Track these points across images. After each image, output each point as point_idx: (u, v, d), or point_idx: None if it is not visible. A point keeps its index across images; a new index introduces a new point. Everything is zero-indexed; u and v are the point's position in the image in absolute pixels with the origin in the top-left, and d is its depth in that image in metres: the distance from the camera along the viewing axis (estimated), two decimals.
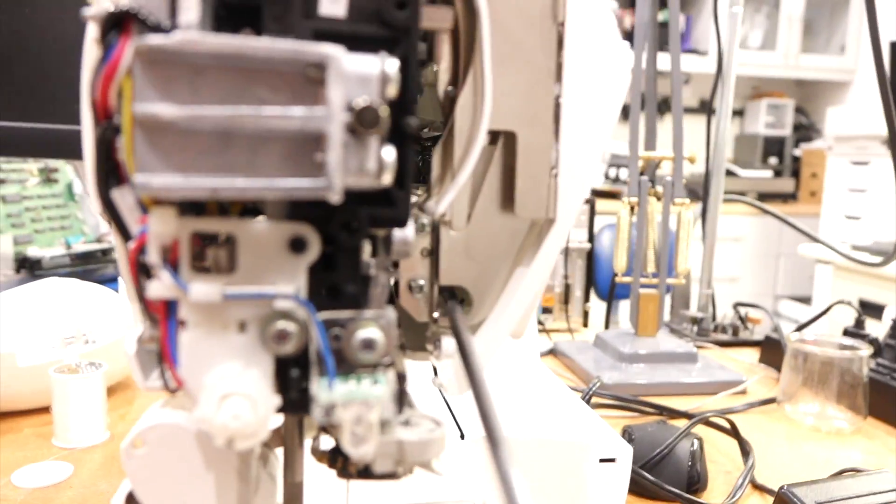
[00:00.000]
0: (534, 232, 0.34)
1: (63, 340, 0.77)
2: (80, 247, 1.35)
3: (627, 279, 0.99)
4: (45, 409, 0.72)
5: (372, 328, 0.26)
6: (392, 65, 0.23)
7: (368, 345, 0.25)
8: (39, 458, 0.66)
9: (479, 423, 0.25)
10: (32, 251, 1.31)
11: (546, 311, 1.21)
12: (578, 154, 0.32)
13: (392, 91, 0.23)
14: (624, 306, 2.34)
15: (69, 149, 0.87)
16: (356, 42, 0.24)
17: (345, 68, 0.22)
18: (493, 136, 0.33)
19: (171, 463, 0.30)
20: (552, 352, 1.06)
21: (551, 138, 0.32)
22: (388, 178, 0.23)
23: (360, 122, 0.22)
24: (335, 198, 0.23)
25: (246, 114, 0.22)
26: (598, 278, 2.03)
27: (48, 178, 1.39)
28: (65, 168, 1.42)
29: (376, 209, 0.25)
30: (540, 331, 1.16)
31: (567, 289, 1.20)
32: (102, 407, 0.71)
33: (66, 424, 0.69)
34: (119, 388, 0.84)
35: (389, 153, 0.23)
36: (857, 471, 0.63)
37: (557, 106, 0.32)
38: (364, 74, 0.22)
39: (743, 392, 0.90)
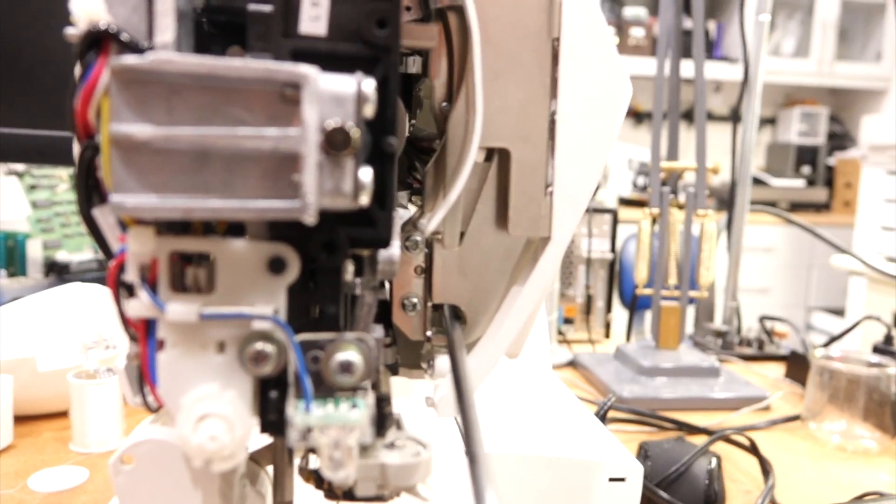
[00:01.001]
0: (529, 250, 0.34)
1: (83, 346, 0.78)
2: None
3: (648, 291, 0.97)
4: (65, 414, 0.73)
5: (351, 351, 0.25)
6: (369, 84, 0.22)
7: (347, 368, 0.25)
8: (57, 463, 0.67)
9: (463, 442, 0.24)
10: (61, 256, 1.33)
11: (567, 321, 1.20)
12: (575, 171, 0.31)
13: (369, 111, 0.23)
14: (648, 317, 2.31)
15: None
16: (337, 61, 0.24)
17: (320, 88, 0.22)
18: (488, 152, 0.32)
19: (158, 479, 0.30)
20: (572, 363, 1.05)
21: (546, 155, 0.31)
22: (364, 200, 0.23)
23: (331, 145, 0.21)
24: (310, 219, 0.22)
25: (221, 134, 0.22)
26: (623, 287, 2.00)
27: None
28: None
29: (357, 229, 0.25)
30: (561, 341, 1.15)
31: (589, 299, 1.18)
32: (119, 413, 0.72)
33: (84, 429, 0.69)
34: None
35: (367, 174, 0.23)
36: (882, 495, 0.61)
37: (552, 122, 0.31)
38: (339, 94, 0.22)
39: (767, 408, 0.88)
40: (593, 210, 1.17)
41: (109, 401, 0.70)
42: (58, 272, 1.31)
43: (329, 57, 0.24)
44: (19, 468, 0.65)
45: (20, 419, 0.74)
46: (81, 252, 1.37)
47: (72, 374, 0.70)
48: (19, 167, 1.32)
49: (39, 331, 0.77)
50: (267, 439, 0.33)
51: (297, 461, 0.32)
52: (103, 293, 0.86)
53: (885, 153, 2.75)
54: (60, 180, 1.39)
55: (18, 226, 1.34)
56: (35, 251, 1.32)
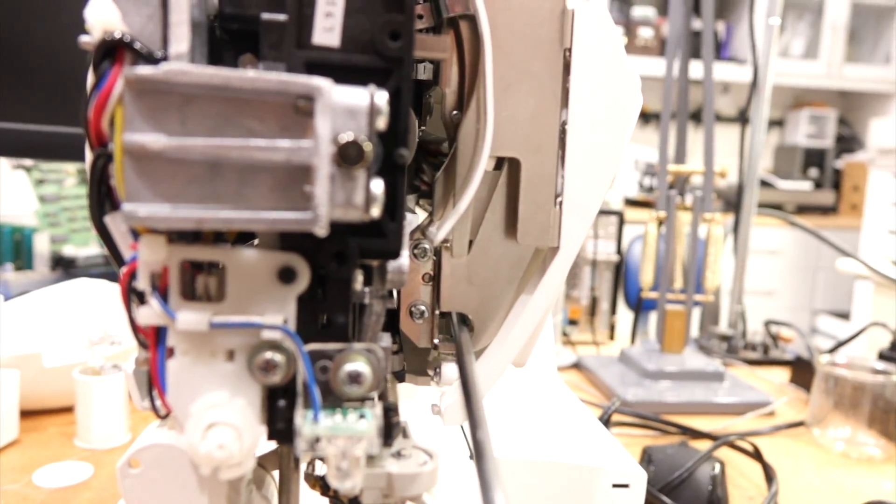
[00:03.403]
0: (538, 259, 0.34)
1: (89, 342, 0.78)
2: None
3: (654, 294, 0.97)
4: (70, 409, 0.73)
5: (360, 362, 0.25)
6: (382, 97, 0.22)
7: (355, 378, 0.25)
8: (62, 458, 0.67)
9: (471, 448, 0.24)
10: (68, 250, 1.34)
11: (572, 322, 1.20)
12: (584, 181, 0.31)
13: (382, 123, 0.23)
14: (653, 318, 2.31)
15: None
16: (349, 72, 0.24)
17: (333, 100, 0.22)
18: (498, 162, 0.32)
19: (164, 483, 0.30)
20: (576, 366, 1.05)
21: (556, 165, 0.31)
22: (376, 212, 0.23)
23: (344, 158, 0.21)
24: (321, 231, 0.22)
25: (233, 145, 0.22)
26: (627, 289, 2.00)
27: (85, 179, 1.42)
28: None
29: (367, 240, 0.25)
30: (565, 343, 1.15)
31: (594, 301, 1.18)
32: (124, 409, 0.72)
33: (89, 425, 0.70)
34: None
35: (378, 186, 0.23)
36: (887, 503, 0.61)
37: (563, 132, 0.31)
38: (353, 107, 0.22)
39: (771, 414, 0.88)
40: (599, 212, 1.17)
41: (114, 397, 0.71)
42: (64, 266, 1.32)
43: (342, 68, 0.24)
44: (24, 463, 0.66)
45: (26, 414, 0.74)
46: (88, 247, 1.38)
47: (77, 371, 0.71)
48: (27, 162, 1.33)
49: (46, 326, 0.78)
50: (273, 444, 0.34)
51: (303, 467, 0.32)
52: (109, 289, 0.86)
53: (892, 157, 2.73)
54: (68, 175, 1.40)
55: (25, 220, 1.34)
56: (42, 245, 1.32)
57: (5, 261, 1.31)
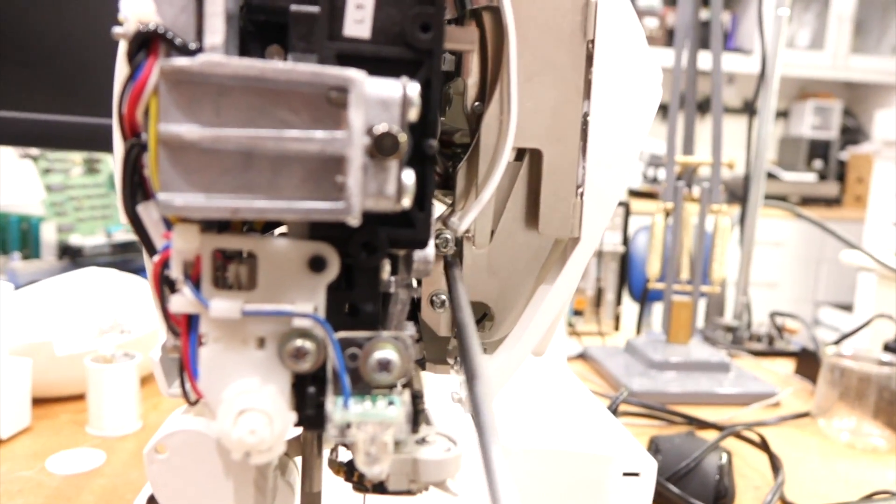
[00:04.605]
0: (558, 250, 0.34)
1: (99, 330, 0.78)
2: (120, 236, 1.39)
3: (660, 285, 0.98)
4: (82, 397, 0.74)
5: (389, 349, 0.26)
6: (414, 89, 0.23)
7: (384, 366, 0.25)
8: (74, 445, 0.68)
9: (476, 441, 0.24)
10: (74, 239, 1.34)
11: (577, 313, 1.20)
12: (606, 173, 0.32)
13: (413, 115, 0.23)
14: (657, 309, 2.31)
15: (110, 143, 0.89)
16: (379, 64, 0.24)
17: (366, 92, 0.22)
18: (520, 153, 0.33)
19: (190, 469, 0.30)
20: (582, 356, 1.06)
21: (578, 156, 0.32)
22: (407, 202, 0.23)
23: (379, 149, 0.22)
24: (354, 221, 0.23)
25: (267, 135, 0.22)
26: (632, 280, 2.00)
27: (91, 168, 1.42)
28: (107, 159, 1.45)
29: (396, 230, 0.25)
30: (570, 333, 1.16)
31: (599, 292, 1.19)
32: (136, 397, 0.72)
33: (100, 413, 0.70)
34: (153, 379, 0.86)
35: (409, 176, 0.23)
36: (893, 494, 0.61)
37: (585, 124, 0.32)
38: (386, 98, 0.22)
39: (776, 405, 0.88)
40: None
41: (126, 385, 0.71)
42: (71, 256, 1.32)
43: (372, 60, 0.24)
44: (37, 450, 0.66)
45: (38, 402, 0.75)
46: (95, 236, 1.38)
47: (89, 358, 0.71)
48: (34, 151, 1.33)
49: (56, 315, 0.78)
50: (296, 430, 0.34)
51: (326, 453, 0.32)
52: (118, 278, 0.87)
53: None
54: (74, 164, 1.40)
55: (33, 209, 1.34)
56: (49, 234, 1.33)
57: (13, 249, 1.31)
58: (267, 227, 0.28)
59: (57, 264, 1.31)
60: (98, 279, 0.86)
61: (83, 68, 0.88)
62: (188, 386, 0.27)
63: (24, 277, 1.19)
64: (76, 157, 1.40)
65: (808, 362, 0.99)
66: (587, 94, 0.31)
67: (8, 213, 1.33)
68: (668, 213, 0.97)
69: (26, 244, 1.34)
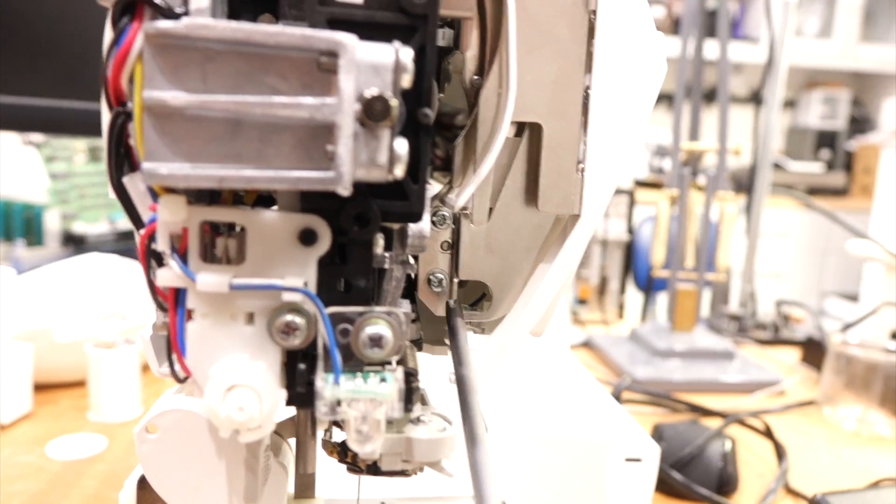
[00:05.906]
0: (558, 227, 0.33)
1: (101, 316, 0.78)
2: (123, 224, 1.38)
3: (665, 273, 0.97)
4: (83, 383, 0.74)
5: (381, 325, 0.25)
6: (407, 54, 0.22)
7: (376, 342, 0.25)
8: (75, 431, 0.67)
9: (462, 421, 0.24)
10: (78, 227, 1.34)
11: (581, 302, 1.19)
12: (607, 148, 0.31)
13: (407, 81, 0.22)
14: (662, 299, 2.30)
15: None
16: (373, 29, 0.23)
17: (357, 57, 0.21)
18: (519, 127, 0.32)
19: (181, 449, 0.30)
20: (586, 344, 1.05)
21: (579, 131, 0.31)
22: (399, 172, 0.23)
23: (370, 115, 0.21)
24: (345, 191, 0.22)
25: (255, 102, 0.21)
26: (637, 269, 1.99)
27: (95, 156, 1.42)
28: None
29: (389, 202, 0.25)
30: (574, 322, 1.15)
31: (603, 280, 1.18)
32: (137, 383, 0.72)
33: (101, 399, 0.70)
34: None
35: (402, 145, 0.22)
36: None
37: (586, 97, 0.31)
38: (377, 64, 0.22)
39: (781, 393, 0.88)
40: None
41: (127, 371, 0.71)
42: (75, 243, 1.32)
43: (365, 25, 0.23)
44: (38, 435, 0.66)
45: (39, 388, 0.75)
46: (98, 223, 1.38)
47: (90, 344, 0.71)
48: (37, 138, 1.33)
49: (58, 301, 0.78)
50: (289, 412, 0.33)
51: (320, 434, 0.32)
52: (120, 264, 0.87)
53: None
54: (78, 152, 1.40)
55: (36, 197, 1.34)
56: (52, 222, 1.33)
57: (17, 237, 1.31)
58: (258, 202, 0.27)
59: (60, 252, 1.31)
60: (100, 265, 0.86)
61: (86, 53, 0.88)
62: (177, 364, 0.27)
63: (28, 264, 1.19)
64: (80, 145, 1.40)
65: (813, 351, 0.98)
66: (589, 67, 0.30)
67: (12, 201, 1.33)
68: (673, 201, 0.96)
69: (30, 232, 1.34)
